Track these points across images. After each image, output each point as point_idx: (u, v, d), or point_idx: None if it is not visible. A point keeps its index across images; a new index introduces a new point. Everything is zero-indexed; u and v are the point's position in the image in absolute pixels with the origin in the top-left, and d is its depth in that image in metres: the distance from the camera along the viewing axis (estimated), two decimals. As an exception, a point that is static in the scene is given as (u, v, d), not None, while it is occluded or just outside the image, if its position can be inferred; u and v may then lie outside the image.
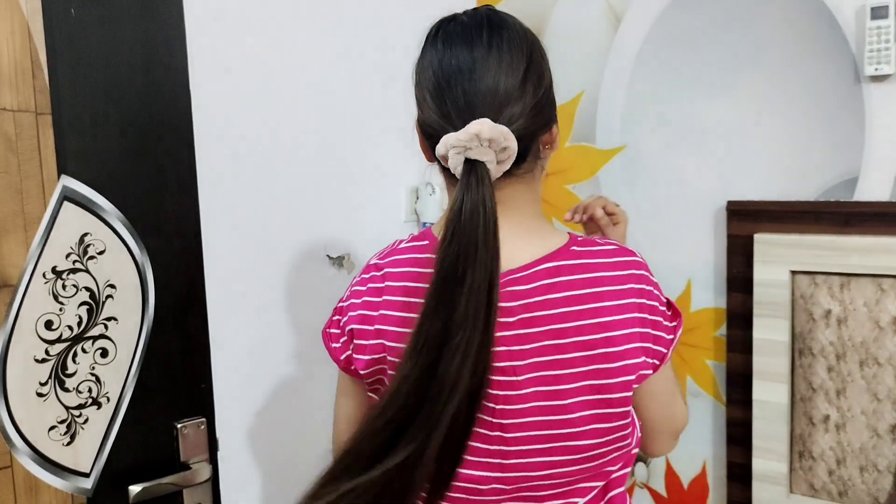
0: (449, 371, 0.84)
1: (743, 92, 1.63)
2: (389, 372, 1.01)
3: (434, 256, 0.90)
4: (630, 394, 0.99)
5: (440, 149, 0.94)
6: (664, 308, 1.05)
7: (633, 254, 1.04)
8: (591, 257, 1.00)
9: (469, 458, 0.98)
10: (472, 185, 0.91)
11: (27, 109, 1.16)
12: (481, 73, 0.94)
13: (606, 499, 1.07)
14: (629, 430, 1.03)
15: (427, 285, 0.90)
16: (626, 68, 1.79)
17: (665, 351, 1.03)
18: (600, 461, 1.02)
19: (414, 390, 0.85)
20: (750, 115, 1.62)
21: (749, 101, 1.62)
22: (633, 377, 0.98)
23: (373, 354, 1.02)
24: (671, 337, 1.04)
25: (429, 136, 0.99)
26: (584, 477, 1.03)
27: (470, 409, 0.87)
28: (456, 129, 0.92)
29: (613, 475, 1.06)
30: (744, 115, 1.63)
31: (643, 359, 0.98)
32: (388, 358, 1.00)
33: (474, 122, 0.91)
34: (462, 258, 0.88)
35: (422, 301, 0.92)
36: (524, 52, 0.97)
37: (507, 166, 0.94)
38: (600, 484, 1.05)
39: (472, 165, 0.91)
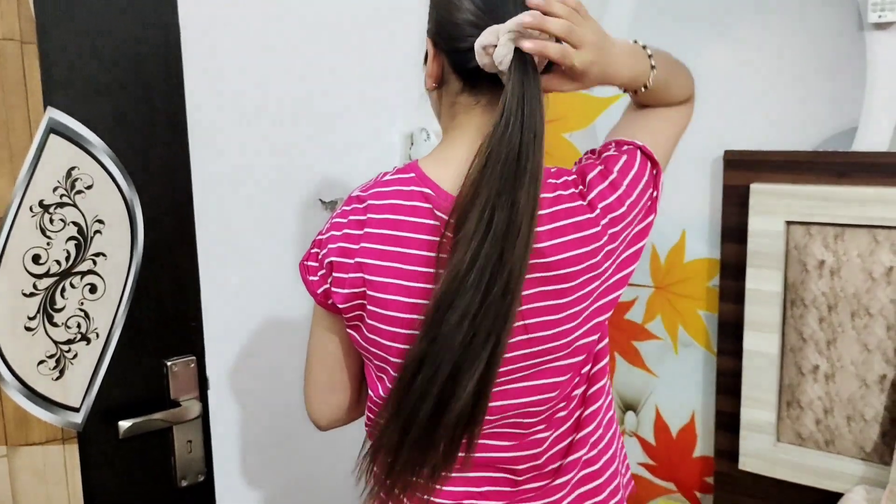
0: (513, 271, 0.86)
1: (743, 39, 1.60)
2: (369, 307, 0.99)
3: (489, 135, 0.87)
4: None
5: (488, 37, 0.86)
6: (604, 153, 1.04)
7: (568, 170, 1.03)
8: (555, 189, 0.98)
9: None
10: (528, 73, 0.85)
11: (12, 38, 1.14)
12: None
13: (588, 395, 1.07)
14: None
15: (426, 206, 0.91)
16: (625, 14, 1.76)
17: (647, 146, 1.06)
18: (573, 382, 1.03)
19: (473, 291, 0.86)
20: (749, 62, 1.60)
21: (748, 49, 1.60)
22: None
23: (352, 288, 0.99)
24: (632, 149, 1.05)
25: (455, 40, 0.92)
26: (564, 395, 1.03)
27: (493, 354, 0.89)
28: (499, 22, 0.87)
29: (592, 370, 1.07)
30: (743, 62, 1.61)
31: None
32: (368, 292, 0.98)
33: (530, 11, 0.85)
34: (524, 148, 0.85)
35: (404, 235, 0.92)
36: None
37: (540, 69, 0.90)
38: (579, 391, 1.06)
39: (522, 57, 0.85)
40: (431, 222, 0.96)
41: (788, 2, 1.54)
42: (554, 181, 0.98)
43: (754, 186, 1.55)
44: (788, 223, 1.53)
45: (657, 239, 1.76)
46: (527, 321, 0.95)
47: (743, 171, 1.59)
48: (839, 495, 1.51)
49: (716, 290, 1.68)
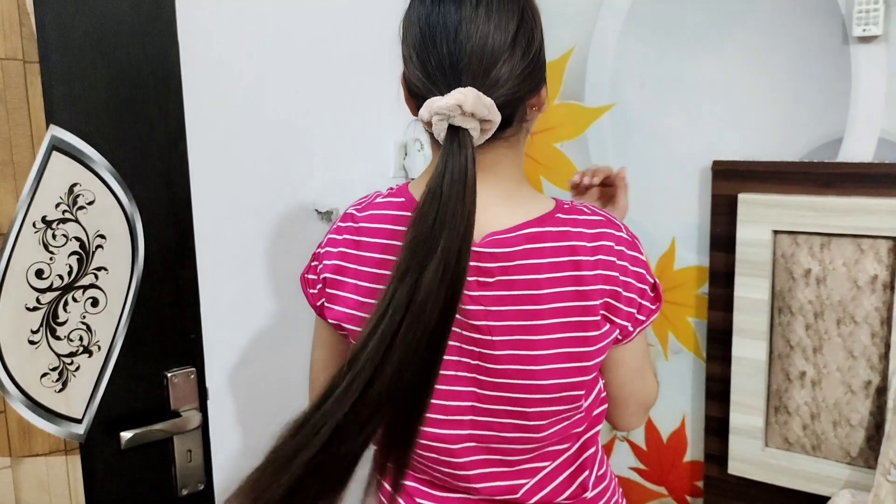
0: (407, 339, 0.85)
1: (731, 51, 1.63)
2: (357, 329, 1.03)
3: (410, 217, 0.89)
4: (602, 358, 1.02)
5: (423, 114, 0.91)
6: (644, 286, 1.03)
7: (617, 227, 1.02)
8: (574, 226, 0.99)
9: (440, 416, 1.00)
10: (454, 152, 0.89)
11: (15, 58, 1.16)
12: (468, 32, 0.90)
13: (581, 460, 1.09)
14: (588, 390, 1.05)
15: (401, 244, 0.90)
16: (616, 25, 1.78)
17: (631, 329, 1.02)
18: (567, 423, 1.04)
19: (374, 353, 0.85)
20: (738, 74, 1.63)
21: (737, 61, 1.63)
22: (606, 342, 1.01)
23: (344, 308, 1.04)
24: (642, 318, 1.03)
25: (413, 95, 0.97)
26: (553, 441, 1.05)
27: (424, 377, 0.88)
28: (441, 93, 0.90)
29: (583, 437, 1.09)
30: (731, 74, 1.64)
31: (610, 327, 1.01)
32: (358, 315, 1.02)
33: (458, 90, 0.88)
34: (438, 225, 0.87)
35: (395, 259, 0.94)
36: (515, 10, 0.93)
37: (490, 134, 0.93)
38: (571, 446, 1.08)
39: (455, 132, 0.90)
40: None
41: (775, 15, 1.57)
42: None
43: (742, 196, 1.58)
44: (776, 232, 1.57)
45: (647, 246, 1.79)
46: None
47: (731, 180, 1.63)
48: (826, 499, 1.54)
49: (705, 297, 1.71)
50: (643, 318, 1.03)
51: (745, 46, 1.61)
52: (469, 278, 0.95)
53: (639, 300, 1.02)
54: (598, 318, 0.98)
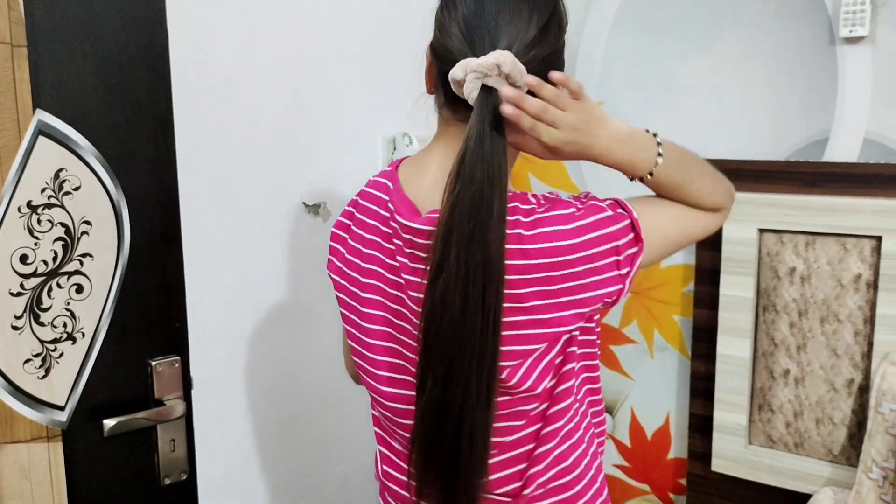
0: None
1: (719, 51, 1.64)
2: (350, 315, 1.08)
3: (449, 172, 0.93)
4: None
5: (457, 72, 0.93)
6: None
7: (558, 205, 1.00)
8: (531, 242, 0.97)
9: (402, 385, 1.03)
10: (487, 109, 0.92)
11: (2, 41, 1.15)
12: (516, 8, 0.96)
13: (537, 452, 1.06)
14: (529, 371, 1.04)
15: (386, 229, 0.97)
16: (606, 23, 1.79)
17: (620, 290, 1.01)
18: (508, 399, 1.01)
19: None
20: (726, 74, 1.64)
21: (725, 61, 1.64)
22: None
23: (340, 294, 1.09)
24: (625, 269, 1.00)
25: (444, 61, 0.97)
26: (501, 418, 1.02)
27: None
28: (477, 56, 0.93)
29: (538, 426, 1.05)
30: (719, 73, 1.65)
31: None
32: (349, 302, 1.07)
33: (498, 51, 0.92)
34: (480, 180, 0.91)
35: (374, 240, 1.01)
36: (551, 2, 0.99)
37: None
38: (521, 429, 1.04)
39: (488, 92, 0.92)
40: (385, 244, 1.03)
41: (763, 17, 1.58)
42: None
43: (729, 195, 1.59)
44: (761, 231, 1.58)
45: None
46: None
47: (718, 179, 1.63)
48: (808, 496, 1.55)
49: (691, 295, 1.72)
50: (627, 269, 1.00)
51: (733, 47, 1.62)
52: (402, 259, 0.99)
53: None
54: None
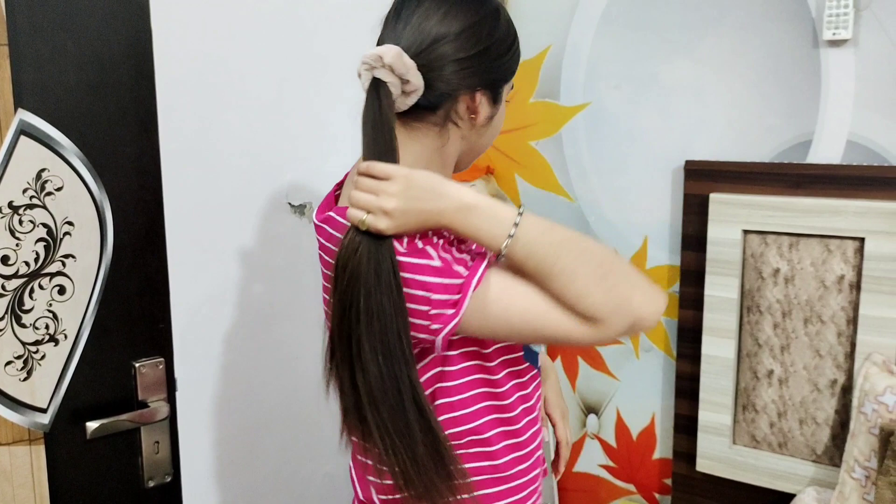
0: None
1: (704, 53, 1.65)
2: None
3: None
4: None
5: (358, 65, 0.99)
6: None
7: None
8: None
9: None
10: (372, 99, 0.97)
11: (-17, 40, 1.14)
12: (431, 9, 1.01)
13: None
14: None
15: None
16: (591, 26, 1.80)
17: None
18: None
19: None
20: (710, 76, 1.65)
21: (710, 62, 1.65)
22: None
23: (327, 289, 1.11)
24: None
25: None
26: None
27: None
28: None
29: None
30: (704, 75, 1.66)
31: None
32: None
33: (386, 45, 0.97)
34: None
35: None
36: (477, 13, 1.02)
37: (412, 100, 0.99)
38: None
39: (376, 84, 0.97)
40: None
41: (747, 19, 1.59)
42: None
43: (713, 196, 1.60)
44: (745, 232, 1.59)
45: (620, 245, 1.81)
46: None
47: (703, 180, 1.64)
48: (792, 496, 1.56)
49: (676, 296, 1.73)
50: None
51: (718, 49, 1.63)
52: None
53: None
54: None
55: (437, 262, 0.95)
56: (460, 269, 0.95)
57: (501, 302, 0.95)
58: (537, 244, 0.94)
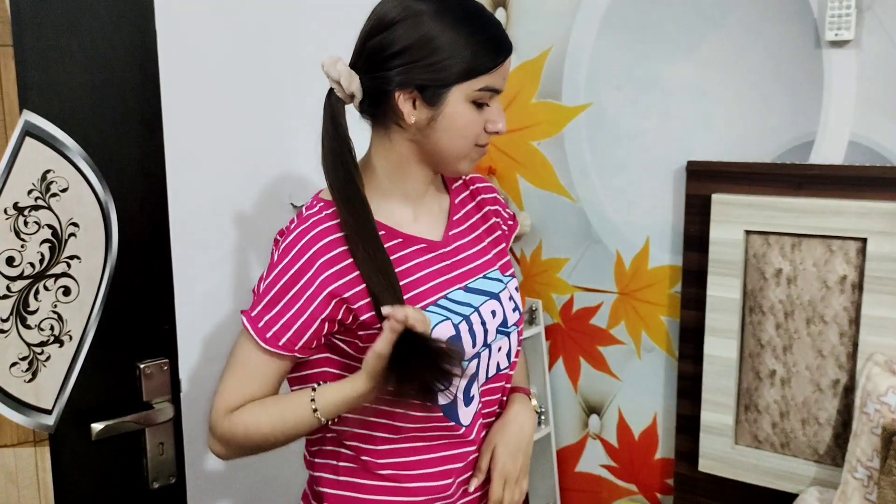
0: None
1: (706, 53, 1.65)
2: None
3: None
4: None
5: None
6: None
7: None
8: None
9: None
10: (325, 108, 1.12)
11: (-12, 41, 1.14)
12: (369, 17, 1.11)
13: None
14: None
15: None
16: (593, 26, 1.80)
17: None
18: None
19: None
20: (712, 76, 1.65)
21: (712, 63, 1.65)
22: None
23: None
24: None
25: None
26: None
27: None
28: None
29: None
30: (706, 76, 1.66)
31: None
32: None
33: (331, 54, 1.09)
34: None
35: None
36: (399, 13, 1.06)
37: (355, 103, 1.12)
38: None
39: (329, 92, 1.12)
40: None
41: (749, 20, 1.59)
42: None
43: (716, 196, 1.61)
44: (748, 232, 1.59)
45: (622, 245, 1.81)
46: None
47: (705, 181, 1.65)
48: (794, 496, 1.57)
49: (678, 296, 1.73)
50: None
51: (720, 49, 1.64)
52: None
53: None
54: None
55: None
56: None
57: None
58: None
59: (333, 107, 1.11)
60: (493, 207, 1.29)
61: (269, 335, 1.06)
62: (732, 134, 1.64)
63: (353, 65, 1.11)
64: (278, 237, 1.16)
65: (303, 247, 1.07)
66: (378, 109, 1.12)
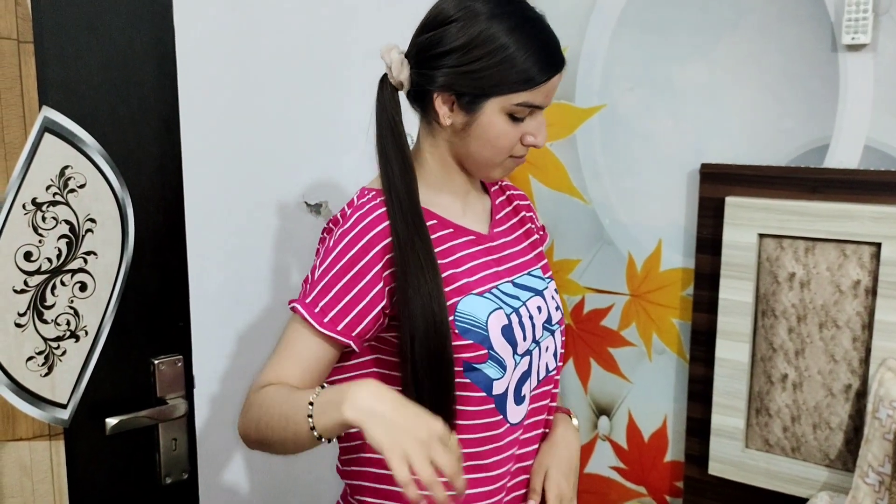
0: None
1: (721, 55, 1.65)
2: None
3: None
4: None
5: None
6: None
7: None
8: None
9: None
10: (379, 90, 1.13)
11: (9, 37, 1.15)
12: (429, 8, 1.11)
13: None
14: None
15: None
16: (608, 27, 1.80)
17: None
18: None
19: None
20: (727, 79, 1.65)
21: (726, 65, 1.65)
22: None
23: None
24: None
25: None
26: None
27: None
28: None
29: None
30: (721, 78, 1.66)
31: None
32: None
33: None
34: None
35: None
36: (456, 11, 1.06)
37: (403, 90, 1.12)
38: None
39: (383, 77, 1.13)
40: None
41: (765, 22, 1.59)
42: None
43: (729, 199, 1.60)
44: (761, 236, 1.59)
45: (634, 247, 1.81)
46: None
47: (719, 183, 1.64)
48: (804, 500, 1.56)
49: (690, 299, 1.73)
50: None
51: (735, 52, 1.63)
52: None
53: None
54: None
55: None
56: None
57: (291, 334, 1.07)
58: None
59: (384, 92, 1.12)
60: (528, 214, 1.30)
61: (326, 320, 1.02)
62: (747, 137, 1.64)
63: (407, 54, 1.11)
64: (331, 225, 1.13)
65: (359, 232, 1.05)
66: (421, 104, 1.13)
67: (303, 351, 1.03)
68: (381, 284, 1.04)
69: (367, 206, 1.07)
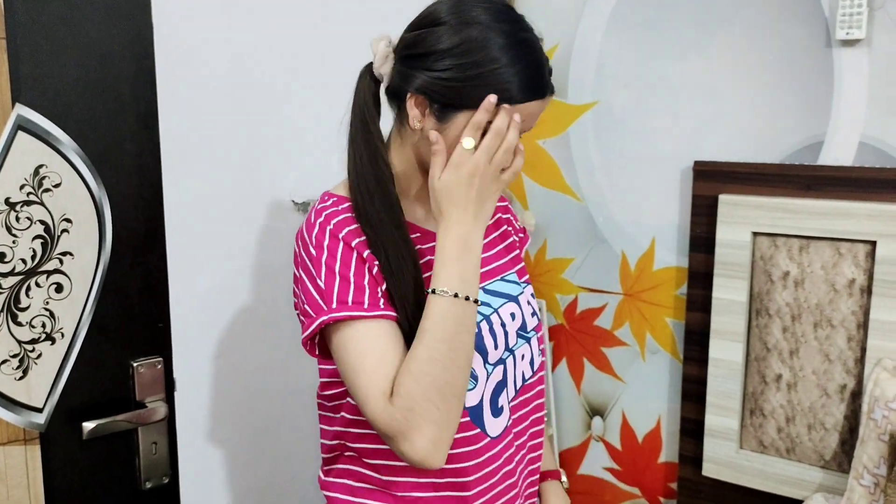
0: None
1: (715, 52, 1.62)
2: None
3: None
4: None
5: None
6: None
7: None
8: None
9: None
10: (359, 79, 1.11)
11: (-20, 33, 1.12)
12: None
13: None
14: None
15: None
16: (601, 23, 1.77)
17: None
18: None
19: None
20: (721, 76, 1.62)
21: (720, 62, 1.62)
22: None
23: None
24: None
25: None
26: None
27: None
28: None
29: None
30: (715, 75, 1.63)
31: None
32: None
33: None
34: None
35: None
36: (443, 15, 1.02)
37: (384, 82, 1.08)
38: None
39: (369, 64, 1.10)
40: None
41: (759, 18, 1.56)
42: None
43: (723, 197, 1.58)
44: (755, 234, 1.56)
45: (627, 246, 1.78)
46: None
47: (712, 181, 1.62)
48: (799, 502, 1.54)
49: (683, 298, 1.71)
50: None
51: (729, 48, 1.61)
52: None
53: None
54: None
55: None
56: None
57: (355, 339, 0.98)
58: (443, 320, 0.97)
59: (364, 80, 1.10)
60: (504, 216, 1.26)
61: (366, 306, 0.97)
62: (741, 134, 1.62)
63: (395, 49, 1.07)
64: (300, 240, 1.06)
65: (331, 233, 1.01)
66: (397, 102, 1.08)
67: (377, 342, 0.98)
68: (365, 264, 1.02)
69: (326, 213, 1.04)
